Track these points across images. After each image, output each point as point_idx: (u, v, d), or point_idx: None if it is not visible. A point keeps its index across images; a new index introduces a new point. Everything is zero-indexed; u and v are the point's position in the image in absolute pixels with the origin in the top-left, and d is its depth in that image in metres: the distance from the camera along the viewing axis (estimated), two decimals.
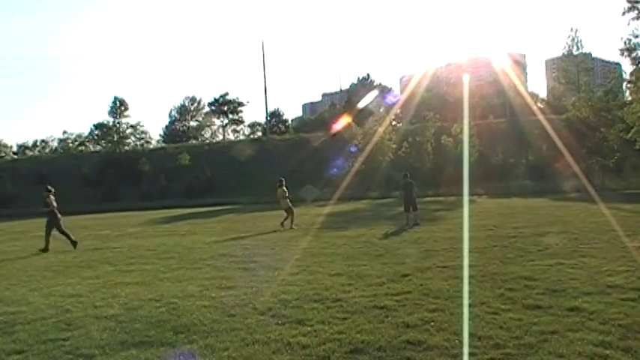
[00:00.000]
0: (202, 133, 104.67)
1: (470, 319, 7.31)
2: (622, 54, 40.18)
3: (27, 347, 7.16)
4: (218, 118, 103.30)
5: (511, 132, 56.38)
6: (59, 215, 19.04)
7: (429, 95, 74.36)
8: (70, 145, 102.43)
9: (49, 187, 19.71)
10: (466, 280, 9.71)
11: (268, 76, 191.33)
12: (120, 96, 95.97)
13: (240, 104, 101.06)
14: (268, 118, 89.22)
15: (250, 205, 43.37)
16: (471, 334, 6.67)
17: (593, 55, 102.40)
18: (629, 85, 43.33)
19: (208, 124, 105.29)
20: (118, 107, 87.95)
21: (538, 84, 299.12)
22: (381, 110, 65.77)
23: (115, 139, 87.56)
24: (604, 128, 44.97)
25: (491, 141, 52.96)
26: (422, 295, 8.92)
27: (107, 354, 6.75)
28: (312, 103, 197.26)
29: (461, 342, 6.45)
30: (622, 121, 42.28)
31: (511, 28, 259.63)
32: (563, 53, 70.94)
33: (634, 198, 30.82)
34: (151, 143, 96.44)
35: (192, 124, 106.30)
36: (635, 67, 39.98)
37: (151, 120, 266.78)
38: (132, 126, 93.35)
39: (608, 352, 5.93)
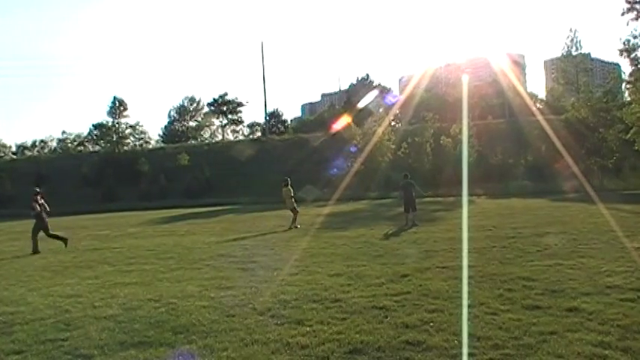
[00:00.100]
0: (201, 133, 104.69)
1: (469, 319, 7.32)
2: (621, 54, 40.11)
3: (26, 347, 7.16)
4: (217, 118, 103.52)
5: (510, 132, 56.39)
6: (46, 219, 19.06)
7: (428, 96, 74.42)
8: (69, 145, 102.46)
9: (37, 190, 19.70)
10: (465, 281, 9.71)
11: (267, 77, 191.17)
12: (119, 96, 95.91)
13: (240, 104, 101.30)
14: (267, 119, 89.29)
15: (250, 206, 43.37)
16: (470, 335, 6.67)
17: (592, 56, 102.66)
18: (628, 86, 43.32)
19: (207, 124, 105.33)
20: (117, 107, 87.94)
21: (537, 84, 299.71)
22: (381, 110, 65.79)
23: (114, 139, 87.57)
24: (603, 129, 44.96)
25: (491, 141, 52.96)
26: (421, 295, 8.92)
27: (106, 354, 6.75)
28: (311, 104, 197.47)
29: (460, 342, 6.45)
30: (621, 122, 42.29)
31: (510, 28, 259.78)
32: (563, 54, 70.99)
33: (633, 198, 30.84)
34: (150, 143, 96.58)
35: (192, 124, 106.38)
36: (634, 67, 39.92)
37: (150, 120, 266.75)
38: (131, 126, 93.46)
39: (607, 352, 5.94)
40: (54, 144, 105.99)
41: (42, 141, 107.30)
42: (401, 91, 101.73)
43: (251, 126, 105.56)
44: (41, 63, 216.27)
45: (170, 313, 8.52)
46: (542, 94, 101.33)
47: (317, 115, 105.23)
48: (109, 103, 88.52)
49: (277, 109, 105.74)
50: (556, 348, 6.11)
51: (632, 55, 39.35)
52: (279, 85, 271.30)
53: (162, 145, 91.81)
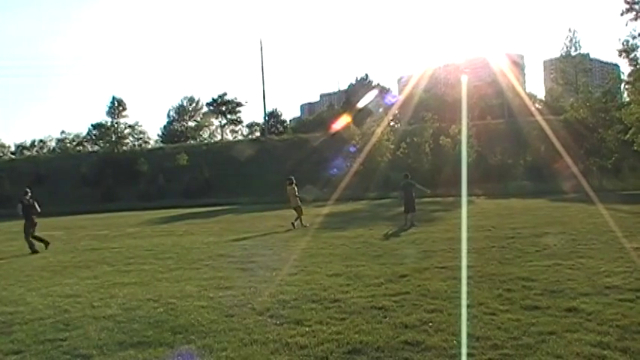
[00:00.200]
0: (200, 133, 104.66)
1: (468, 319, 7.32)
2: (620, 55, 40.13)
3: (25, 347, 7.15)
4: (216, 118, 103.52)
5: (509, 133, 56.39)
6: (34, 220, 19.07)
7: (427, 96, 74.40)
8: (68, 145, 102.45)
9: (27, 190, 19.69)
10: (464, 281, 9.71)
11: (266, 77, 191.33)
12: (118, 96, 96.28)
13: (239, 104, 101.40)
14: (266, 119, 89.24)
15: (249, 206, 43.37)
16: (469, 335, 6.67)
17: (592, 56, 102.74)
18: (627, 86, 43.36)
19: (207, 124, 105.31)
20: (116, 107, 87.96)
21: (536, 85, 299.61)
22: (381, 110, 65.80)
23: (113, 139, 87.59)
24: (602, 129, 44.96)
25: (490, 142, 52.96)
26: (420, 295, 8.93)
27: (105, 354, 6.75)
28: (310, 104, 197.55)
29: (459, 342, 6.46)
30: (620, 122, 42.29)
31: (509, 28, 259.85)
32: (562, 54, 70.88)
33: (632, 199, 30.84)
34: (149, 143, 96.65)
35: (191, 124, 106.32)
36: (633, 68, 39.94)
37: (149, 120, 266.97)
38: (130, 126, 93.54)
39: (605, 352, 5.94)
40: (53, 144, 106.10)
41: (41, 141, 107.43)
42: (400, 92, 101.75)
43: (250, 126, 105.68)
44: (40, 63, 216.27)
45: (169, 313, 8.52)
46: (541, 95, 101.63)
47: (316, 116, 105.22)
48: (108, 103, 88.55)
49: (276, 109, 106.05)
50: (555, 348, 6.11)
51: (631, 56, 39.38)
52: (278, 85, 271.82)
53: (162, 145, 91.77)
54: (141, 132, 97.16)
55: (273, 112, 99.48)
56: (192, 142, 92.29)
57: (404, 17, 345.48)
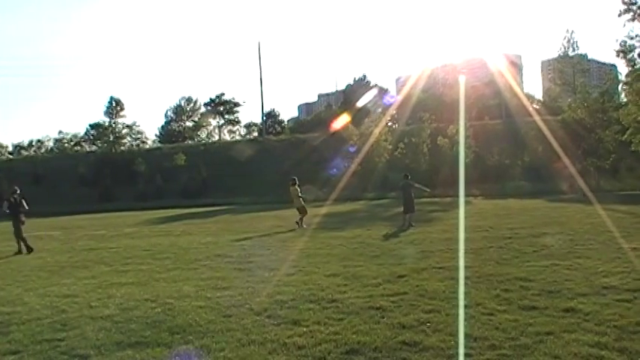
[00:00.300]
0: (198, 133, 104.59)
1: (466, 320, 7.33)
2: (618, 56, 40.17)
3: (22, 347, 7.14)
4: (214, 118, 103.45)
5: (507, 133, 56.40)
6: (22, 218, 19.02)
7: (425, 96, 74.37)
8: (66, 145, 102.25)
9: (16, 189, 19.64)
10: (462, 281, 9.72)
11: (264, 77, 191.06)
12: (116, 96, 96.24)
13: (237, 104, 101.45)
14: (264, 119, 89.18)
15: (246, 206, 43.35)
16: (466, 335, 6.67)
17: (589, 57, 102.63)
18: (624, 87, 43.41)
19: (204, 124, 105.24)
20: (114, 107, 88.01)
21: (534, 85, 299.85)
22: (380, 110, 65.83)
23: (111, 139, 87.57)
24: (600, 130, 45.01)
25: (487, 142, 52.98)
26: (418, 296, 8.93)
27: (103, 354, 6.74)
28: (308, 104, 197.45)
29: (457, 343, 6.46)
30: (618, 123, 42.30)
31: (507, 29, 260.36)
32: (559, 54, 70.91)
33: (629, 199, 30.88)
34: (146, 143, 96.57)
35: (188, 124, 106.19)
36: (630, 68, 39.99)
37: (146, 120, 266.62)
38: (128, 126, 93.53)
39: (603, 353, 5.95)
40: (51, 144, 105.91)
41: (39, 141, 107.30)
42: (398, 92, 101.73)
43: (248, 126, 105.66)
44: (38, 63, 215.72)
45: (167, 314, 8.52)
46: (539, 95, 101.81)
47: (314, 116, 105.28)
48: (105, 103, 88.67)
49: (274, 109, 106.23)
50: (553, 348, 6.12)
51: (629, 57, 39.42)
52: (276, 85, 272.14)
53: (159, 145, 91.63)
54: (139, 132, 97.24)
55: (270, 112, 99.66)
56: (189, 142, 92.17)
57: (402, 17, 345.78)
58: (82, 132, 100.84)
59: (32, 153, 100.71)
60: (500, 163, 51.92)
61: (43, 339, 7.45)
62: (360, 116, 62.60)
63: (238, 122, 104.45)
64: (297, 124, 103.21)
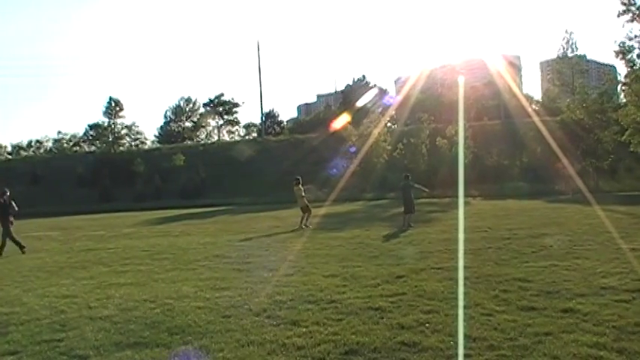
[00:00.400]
0: (197, 133, 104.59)
1: (464, 320, 7.33)
2: (617, 56, 40.15)
3: (21, 348, 7.14)
4: (213, 118, 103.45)
5: (506, 134, 56.43)
6: (10, 219, 18.99)
7: (423, 97, 74.40)
8: (65, 145, 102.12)
9: (5, 190, 19.60)
10: (461, 282, 9.73)
11: (263, 77, 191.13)
12: (115, 96, 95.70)
13: (236, 105, 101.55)
14: (263, 119, 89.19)
15: (245, 206, 43.33)
16: (465, 336, 6.68)
17: (588, 58, 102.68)
18: (623, 88, 43.41)
19: (203, 124, 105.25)
20: (113, 108, 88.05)
21: (533, 86, 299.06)
22: (380, 110, 65.86)
23: (110, 139, 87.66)
24: (598, 130, 45.00)
25: (486, 143, 53.01)
26: (416, 296, 8.93)
27: (102, 355, 6.74)
28: (307, 104, 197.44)
29: (455, 343, 6.47)
30: (616, 124, 42.34)
31: (506, 30, 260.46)
32: (558, 55, 71.04)
33: (628, 200, 30.89)
34: (145, 144, 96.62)
35: (188, 124, 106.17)
36: (629, 69, 39.99)
37: (146, 120, 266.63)
38: (127, 126, 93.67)
39: (602, 353, 5.96)
40: (49, 144, 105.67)
41: (37, 141, 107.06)
42: (397, 92, 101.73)
43: (247, 127, 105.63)
44: (37, 63, 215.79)
45: (166, 314, 8.52)
46: (537, 96, 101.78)
47: (313, 116, 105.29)
48: (104, 103, 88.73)
49: (273, 109, 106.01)
50: (551, 349, 6.12)
51: (628, 57, 39.41)
52: (275, 86, 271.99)
53: (158, 145, 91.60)
54: (138, 132, 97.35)
55: (270, 112, 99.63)
56: (188, 142, 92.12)
57: (401, 18, 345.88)
58: (81, 132, 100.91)
59: (31, 153, 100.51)
60: (498, 163, 51.94)
61: (41, 339, 7.44)
62: (359, 117, 62.56)
63: (237, 123, 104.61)
64: (296, 125, 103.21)
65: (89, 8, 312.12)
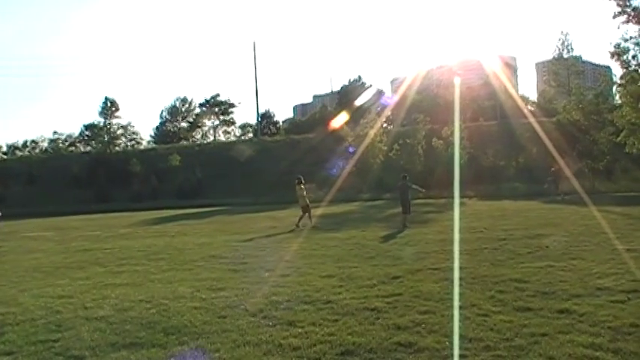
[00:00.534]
0: (193, 134, 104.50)
1: (460, 321, 7.34)
2: (612, 57, 40.21)
3: (17, 348, 7.13)
4: (209, 119, 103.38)
5: (502, 134, 56.48)
6: None
7: (419, 98, 74.36)
8: (61, 145, 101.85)
9: None
10: (457, 283, 9.73)
11: (259, 77, 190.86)
12: (111, 96, 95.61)
13: (232, 105, 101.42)
14: (259, 120, 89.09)
15: (241, 207, 43.28)
16: (461, 336, 6.69)
17: (584, 59, 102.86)
18: (619, 89, 43.40)
19: (199, 124, 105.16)
20: (109, 108, 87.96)
21: (529, 87, 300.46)
22: (379, 110, 65.91)
23: (106, 139, 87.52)
24: (594, 131, 45.03)
25: (482, 143, 53.01)
26: (413, 297, 8.94)
27: (97, 355, 6.74)
28: (303, 105, 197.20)
29: (451, 344, 6.48)
30: (612, 124, 42.35)
31: (502, 31, 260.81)
32: (554, 56, 71.33)
33: (624, 201, 30.94)
34: (141, 144, 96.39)
35: (184, 124, 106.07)
36: (625, 70, 40.03)
37: (141, 121, 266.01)
38: (122, 126, 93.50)
39: (598, 354, 5.97)
40: (45, 144, 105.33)
41: (33, 141, 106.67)
42: (393, 93, 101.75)
43: (243, 127, 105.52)
44: (33, 63, 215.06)
45: (162, 314, 8.51)
46: (533, 97, 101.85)
47: (309, 117, 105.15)
48: (100, 103, 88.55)
49: (269, 109, 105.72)
50: (547, 349, 6.14)
51: (623, 58, 39.45)
52: (271, 86, 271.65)
53: (154, 145, 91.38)
54: (133, 132, 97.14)
55: (266, 113, 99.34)
56: (184, 142, 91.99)
57: (397, 19, 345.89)
58: (76, 132, 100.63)
59: (27, 153, 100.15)
60: (495, 164, 51.94)
61: (37, 340, 7.44)
62: (355, 117, 62.54)
63: (233, 123, 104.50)
64: (292, 125, 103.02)
65: (85, 9, 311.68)
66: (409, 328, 7.18)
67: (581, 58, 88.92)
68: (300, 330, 7.32)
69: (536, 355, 6.02)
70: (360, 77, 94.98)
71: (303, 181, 23.75)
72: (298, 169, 48.64)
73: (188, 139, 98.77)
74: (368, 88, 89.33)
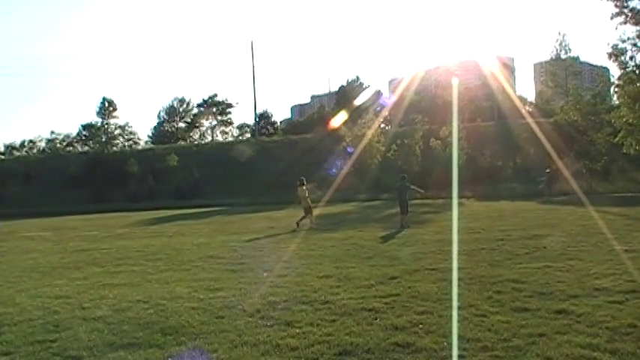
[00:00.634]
0: (191, 134, 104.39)
1: (458, 321, 7.35)
2: (610, 58, 40.17)
3: (14, 349, 7.13)
4: (207, 119, 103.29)
5: (499, 135, 56.48)
6: None
7: (417, 98, 74.35)
8: (58, 145, 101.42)
9: None
10: (454, 283, 9.73)
11: (257, 78, 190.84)
12: (108, 96, 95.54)
13: (229, 105, 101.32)
14: (257, 120, 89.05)
15: (239, 207, 43.25)
16: (459, 337, 6.70)
17: (582, 59, 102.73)
18: (616, 89, 43.38)
19: (197, 125, 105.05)
20: (107, 108, 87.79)
21: (526, 87, 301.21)
22: (377, 110, 65.87)
23: (103, 139, 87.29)
24: (592, 132, 45.05)
25: (480, 144, 53.02)
26: (410, 297, 8.95)
27: (95, 355, 6.73)
28: (300, 105, 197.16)
29: (449, 344, 6.48)
30: (610, 125, 42.38)
31: (500, 31, 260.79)
32: (552, 57, 71.26)
33: (621, 201, 30.98)
34: (139, 144, 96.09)
35: (181, 125, 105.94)
36: (622, 71, 40.02)
37: (139, 121, 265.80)
38: (120, 126, 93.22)
39: (595, 354, 5.98)
40: (42, 144, 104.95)
41: (30, 141, 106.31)
42: (391, 93, 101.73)
43: (241, 127, 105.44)
44: (31, 63, 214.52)
45: (159, 315, 8.51)
46: (531, 97, 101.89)
47: (307, 117, 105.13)
48: (98, 103, 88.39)
49: (267, 110, 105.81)
50: (545, 350, 6.14)
51: (621, 59, 39.47)
52: (269, 87, 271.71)
53: (152, 145, 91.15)
54: (131, 133, 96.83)
55: (263, 113, 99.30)
56: (182, 143, 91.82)
57: (395, 19, 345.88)
58: (74, 132, 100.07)
59: (24, 153, 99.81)
60: (492, 164, 51.94)
61: (35, 340, 7.43)
62: (353, 118, 62.52)
63: (231, 123, 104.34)
64: (290, 126, 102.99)
65: (83, 9, 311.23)
66: (407, 328, 7.19)
67: (578, 58, 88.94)
68: (297, 330, 7.32)
69: (533, 355, 6.03)
70: (358, 77, 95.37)
71: (305, 183, 23.77)
72: (296, 169, 48.66)
73: (186, 140, 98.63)
74: (366, 88, 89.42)
